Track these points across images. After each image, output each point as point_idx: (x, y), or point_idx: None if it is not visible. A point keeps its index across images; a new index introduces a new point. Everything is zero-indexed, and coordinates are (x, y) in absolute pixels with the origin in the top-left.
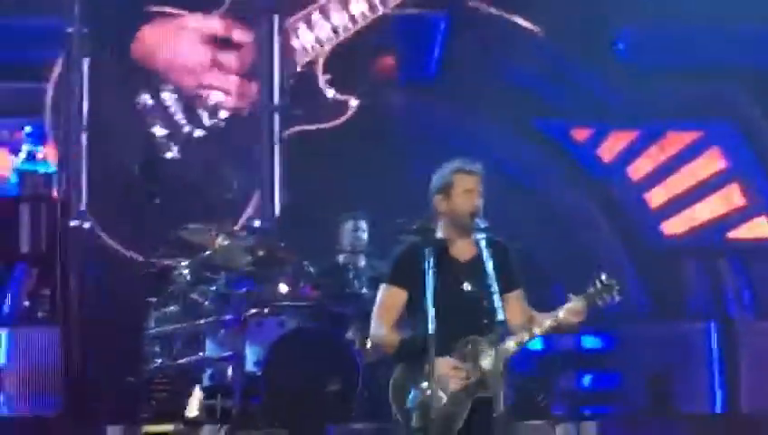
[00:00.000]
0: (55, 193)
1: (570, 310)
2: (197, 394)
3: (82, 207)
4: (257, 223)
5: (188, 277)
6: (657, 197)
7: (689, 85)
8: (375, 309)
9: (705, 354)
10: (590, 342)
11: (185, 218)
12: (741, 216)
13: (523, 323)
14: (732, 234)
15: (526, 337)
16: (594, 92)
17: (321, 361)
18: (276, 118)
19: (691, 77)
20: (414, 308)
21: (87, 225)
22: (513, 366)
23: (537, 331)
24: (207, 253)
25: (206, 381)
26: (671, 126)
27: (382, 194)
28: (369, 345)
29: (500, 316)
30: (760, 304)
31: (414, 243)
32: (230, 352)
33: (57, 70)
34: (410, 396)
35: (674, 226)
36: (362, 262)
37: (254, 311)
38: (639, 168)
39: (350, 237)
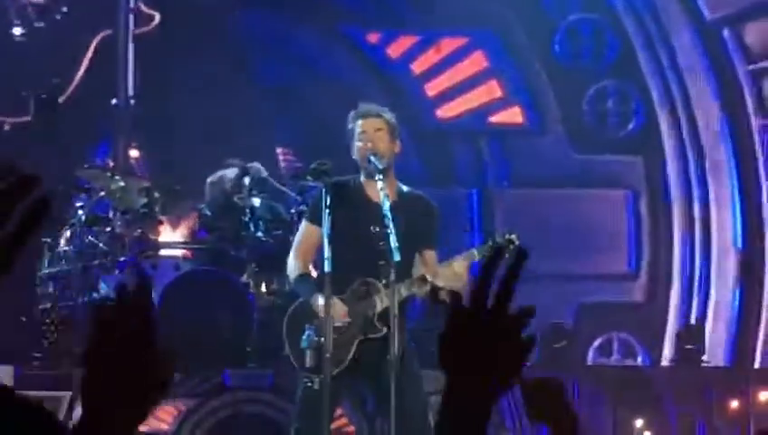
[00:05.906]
0: None
1: (461, 261)
2: None
3: None
4: (114, 101)
5: (83, 218)
6: (433, 88)
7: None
8: (293, 245)
9: (467, 216)
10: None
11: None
12: (499, 105)
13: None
14: (491, 119)
15: (417, 284)
16: (384, 3)
17: (216, 304)
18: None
19: None
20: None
21: None
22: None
23: (437, 281)
24: (102, 193)
25: None
26: (445, 33)
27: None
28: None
29: (396, 257)
30: (512, 176)
31: (332, 184)
32: None
33: None
34: (304, 336)
35: (446, 111)
36: (257, 204)
37: (148, 252)
38: (420, 65)
39: (232, 182)
